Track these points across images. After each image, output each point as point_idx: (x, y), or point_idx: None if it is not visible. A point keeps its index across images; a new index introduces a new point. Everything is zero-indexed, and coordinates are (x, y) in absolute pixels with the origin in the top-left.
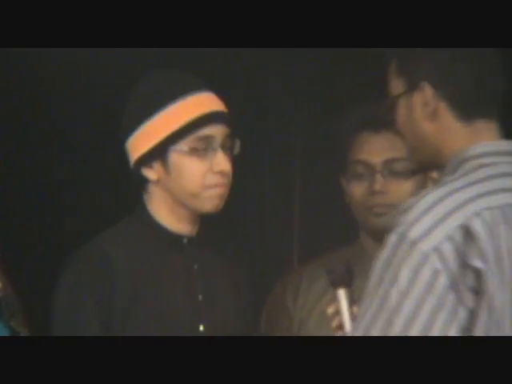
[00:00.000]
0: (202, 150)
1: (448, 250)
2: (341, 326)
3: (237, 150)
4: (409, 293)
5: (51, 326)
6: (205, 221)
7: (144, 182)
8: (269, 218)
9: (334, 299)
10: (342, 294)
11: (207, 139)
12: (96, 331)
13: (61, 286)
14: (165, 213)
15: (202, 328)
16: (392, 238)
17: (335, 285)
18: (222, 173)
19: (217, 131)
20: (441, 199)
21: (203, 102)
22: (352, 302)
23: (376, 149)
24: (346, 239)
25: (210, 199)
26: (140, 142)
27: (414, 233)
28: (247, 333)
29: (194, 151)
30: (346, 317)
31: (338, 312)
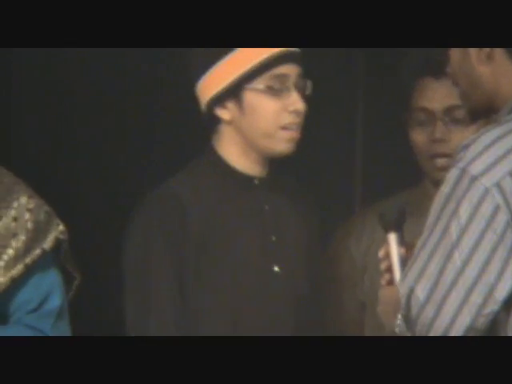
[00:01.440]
0: (276, 88)
1: (509, 185)
2: (389, 269)
3: (309, 90)
4: (468, 228)
5: (122, 270)
6: (273, 163)
7: (215, 122)
8: (331, 162)
9: (385, 242)
10: (392, 237)
11: (282, 78)
12: (169, 274)
13: (132, 230)
14: (235, 154)
15: (276, 268)
16: (453, 173)
17: (386, 228)
18: (296, 112)
19: (291, 70)
20: (501, 137)
21: None
22: (402, 245)
23: (437, 95)
24: (409, 184)
25: (284, 141)
26: (213, 81)
27: (475, 168)
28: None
29: (269, 90)
30: (394, 261)
31: (387, 255)
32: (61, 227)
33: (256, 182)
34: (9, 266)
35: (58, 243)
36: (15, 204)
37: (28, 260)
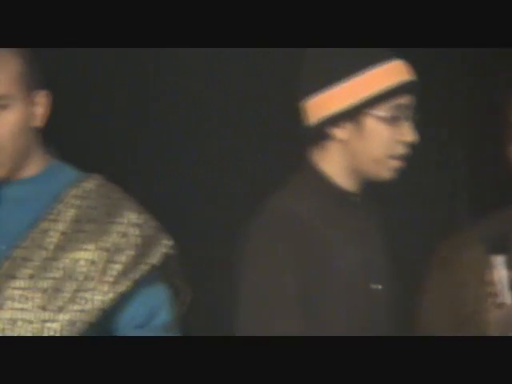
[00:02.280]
0: (395, 117)
1: None
2: (496, 294)
3: (417, 120)
4: None
5: (242, 286)
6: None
7: (322, 138)
8: (432, 182)
9: (490, 266)
10: (498, 260)
11: (401, 107)
12: (291, 290)
13: (255, 244)
14: (340, 171)
15: (375, 286)
16: None
17: (491, 251)
18: (407, 143)
19: (409, 100)
20: None
21: (401, 70)
22: (509, 268)
23: None
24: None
25: (390, 169)
26: (332, 100)
27: None
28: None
29: (389, 118)
30: (504, 283)
31: (493, 279)
32: (169, 242)
33: (356, 199)
34: (117, 281)
35: (166, 258)
36: (123, 219)
37: (136, 275)
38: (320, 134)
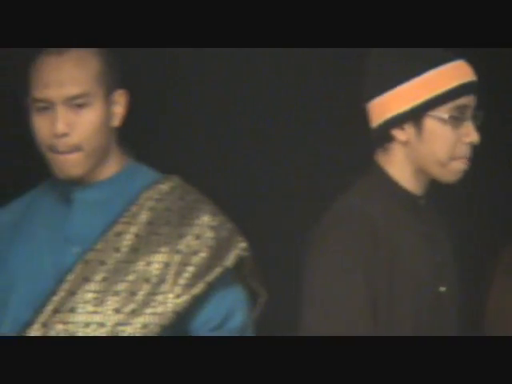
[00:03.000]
0: (457, 119)
1: None
2: None
3: (480, 120)
4: None
5: (312, 285)
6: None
7: (386, 140)
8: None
9: None
10: None
11: (463, 109)
12: (363, 291)
13: (326, 245)
14: (405, 174)
15: (442, 289)
16: None
17: None
18: (470, 144)
19: (471, 101)
20: None
21: (462, 71)
22: None
23: None
24: None
25: (455, 171)
26: (394, 102)
27: None
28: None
29: (451, 119)
30: None
31: None
32: (243, 244)
33: (422, 201)
34: (191, 284)
35: (240, 260)
36: (198, 221)
37: (209, 278)
38: (383, 136)
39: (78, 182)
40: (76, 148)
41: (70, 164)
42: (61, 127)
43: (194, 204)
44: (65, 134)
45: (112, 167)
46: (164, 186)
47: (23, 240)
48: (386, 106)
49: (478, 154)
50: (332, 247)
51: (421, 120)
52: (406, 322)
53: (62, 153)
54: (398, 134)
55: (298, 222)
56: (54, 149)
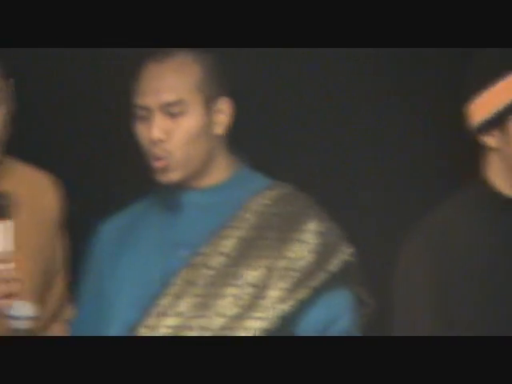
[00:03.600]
0: None
1: None
2: None
3: None
4: None
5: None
6: None
7: (481, 147)
8: None
9: None
10: None
11: None
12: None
13: (416, 254)
14: (501, 179)
15: None
16: None
17: None
18: None
19: None
20: None
21: None
22: None
23: None
24: None
25: None
26: (479, 108)
27: None
28: None
29: None
30: None
31: None
32: (349, 250)
33: None
34: (296, 289)
35: (345, 265)
36: (305, 227)
37: (314, 283)
38: (477, 140)
39: (187, 187)
40: (172, 154)
41: (168, 170)
42: (156, 133)
43: (302, 210)
44: (161, 140)
45: (221, 172)
46: (273, 192)
47: (132, 244)
48: (474, 111)
49: None
50: (422, 254)
51: (504, 124)
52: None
53: (159, 158)
54: (488, 140)
55: (400, 229)
56: (152, 154)
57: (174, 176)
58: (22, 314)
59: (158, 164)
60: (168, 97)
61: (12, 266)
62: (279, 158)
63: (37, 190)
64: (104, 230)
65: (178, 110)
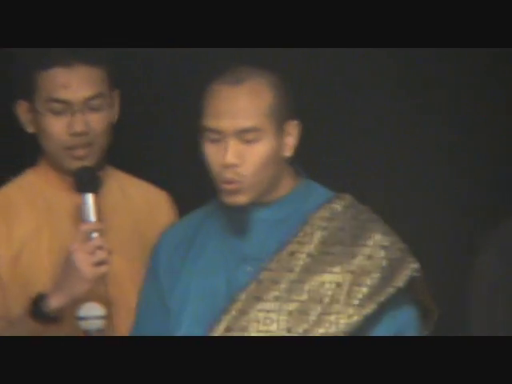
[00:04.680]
0: None
1: None
2: None
3: None
4: None
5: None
6: None
7: None
8: None
9: None
10: None
11: None
12: None
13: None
14: None
15: None
16: None
17: None
18: None
19: None
20: None
21: None
22: None
23: None
24: None
25: None
26: None
27: None
28: None
29: None
30: None
31: None
32: (415, 264)
33: None
34: (363, 304)
35: (411, 280)
36: (370, 242)
37: (381, 298)
38: None
39: (255, 203)
40: (244, 178)
41: (237, 193)
42: (231, 159)
43: (367, 223)
44: (234, 165)
45: (286, 187)
46: (337, 206)
47: (196, 257)
48: None
49: None
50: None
51: None
52: None
53: (231, 182)
54: None
55: (466, 242)
56: (221, 178)
57: (242, 199)
58: (92, 314)
59: (228, 187)
60: (244, 123)
61: (101, 236)
62: (340, 169)
63: (153, 206)
64: (163, 241)
65: (252, 137)
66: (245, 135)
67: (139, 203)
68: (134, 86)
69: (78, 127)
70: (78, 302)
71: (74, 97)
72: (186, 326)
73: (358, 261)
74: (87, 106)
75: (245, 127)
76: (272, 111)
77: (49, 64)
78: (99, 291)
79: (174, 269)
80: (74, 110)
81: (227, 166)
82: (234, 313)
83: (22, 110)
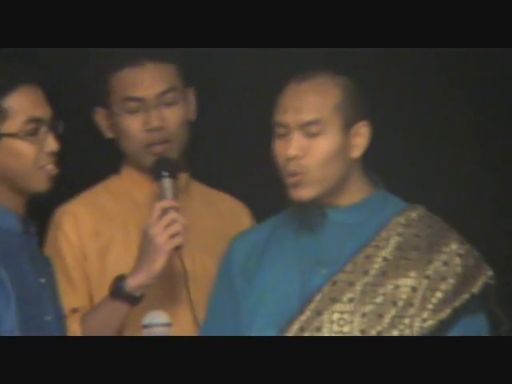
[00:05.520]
0: None
1: None
2: None
3: None
4: None
5: None
6: None
7: None
8: None
9: None
10: None
11: None
12: None
13: None
14: None
15: None
16: None
17: None
18: None
19: None
20: None
21: None
22: None
23: None
24: None
25: None
26: None
27: None
28: None
29: None
30: None
31: None
32: (490, 272)
33: None
34: (437, 309)
35: (486, 288)
36: (446, 249)
37: (457, 303)
38: None
39: (323, 205)
40: (307, 170)
41: (301, 185)
42: (293, 151)
43: (442, 232)
44: (297, 157)
45: (360, 193)
46: (412, 214)
47: (271, 260)
48: None
49: None
50: None
51: None
52: None
53: (294, 174)
54: None
55: None
56: (286, 171)
57: (306, 193)
58: (157, 322)
59: (292, 179)
60: (308, 116)
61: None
62: (412, 180)
63: (235, 214)
64: (237, 247)
65: (316, 130)
66: (308, 128)
67: (221, 211)
68: (209, 87)
69: (154, 123)
70: (156, 278)
71: (146, 93)
72: (258, 328)
73: (434, 266)
74: (161, 101)
75: (308, 120)
76: (338, 109)
77: (120, 65)
78: (176, 265)
79: (249, 271)
80: (148, 107)
81: (290, 158)
82: (308, 313)
83: (99, 116)
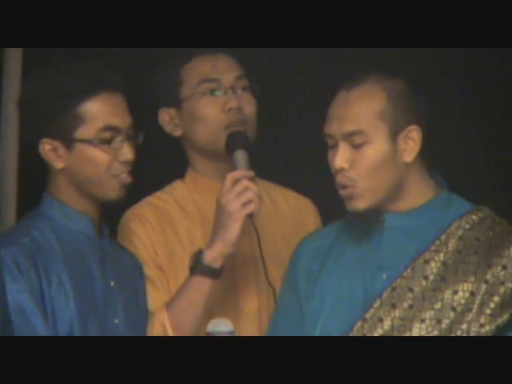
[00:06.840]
0: None
1: None
2: None
3: None
4: None
5: None
6: None
7: None
8: None
9: None
10: None
11: None
12: None
13: None
14: None
15: None
16: None
17: None
18: None
19: None
20: None
21: None
22: None
23: None
24: None
25: None
26: None
27: None
28: None
29: None
30: None
31: None
32: None
33: None
34: (495, 314)
35: None
36: (507, 252)
37: None
38: None
39: (384, 210)
40: (356, 182)
41: (353, 198)
42: (339, 163)
43: (503, 235)
44: (343, 169)
45: (424, 196)
46: (474, 217)
47: (334, 264)
48: None
49: None
50: None
51: None
52: None
53: (344, 187)
54: None
55: None
56: (338, 183)
57: (359, 205)
58: (221, 329)
59: (343, 192)
60: (349, 127)
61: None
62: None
63: (301, 213)
64: (303, 248)
65: (360, 141)
66: (353, 139)
67: (288, 210)
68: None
69: (233, 103)
70: (232, 246)
71: (223, 76)
72: (321, 331)
73: (492, 271)
74: (238, 84)
75: (350, 131)
76: (383, 115)
77: (191, 56)
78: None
79: (313, 274)
80: (226, 88)
81: (337, 171)
82: (369, 319)
83: (165, 115)
